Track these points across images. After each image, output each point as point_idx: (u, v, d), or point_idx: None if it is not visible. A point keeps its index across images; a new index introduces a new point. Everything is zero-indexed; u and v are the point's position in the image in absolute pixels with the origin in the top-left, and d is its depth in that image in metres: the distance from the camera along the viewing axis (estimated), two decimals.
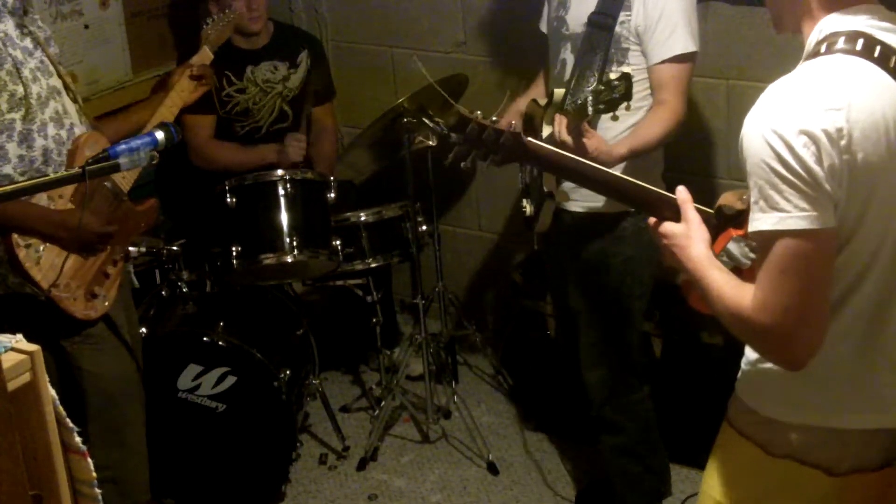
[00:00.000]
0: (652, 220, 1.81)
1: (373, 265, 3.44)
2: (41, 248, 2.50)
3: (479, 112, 1.74)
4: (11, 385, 1.30)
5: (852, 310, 1.61)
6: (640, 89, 2.64)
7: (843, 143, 1.48)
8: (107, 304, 2.69)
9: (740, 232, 1.74)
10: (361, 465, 3.50)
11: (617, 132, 2.66)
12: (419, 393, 3.72)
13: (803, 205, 1.48)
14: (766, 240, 1.53)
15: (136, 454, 2.88)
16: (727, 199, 1.81)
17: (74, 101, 2.65)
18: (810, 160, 1.47)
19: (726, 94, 3.31)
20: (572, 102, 2.55)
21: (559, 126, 2.48)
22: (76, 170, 1.72)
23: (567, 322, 3.01)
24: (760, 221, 1.52)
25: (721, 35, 3.24)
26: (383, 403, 3.60)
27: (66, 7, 3.40)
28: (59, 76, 2.60)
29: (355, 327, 3.87)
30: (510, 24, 3.70)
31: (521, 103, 2.87)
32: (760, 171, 1.51)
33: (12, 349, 1.35)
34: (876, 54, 1.55)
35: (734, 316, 1.60)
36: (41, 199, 2.50)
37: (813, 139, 1.47)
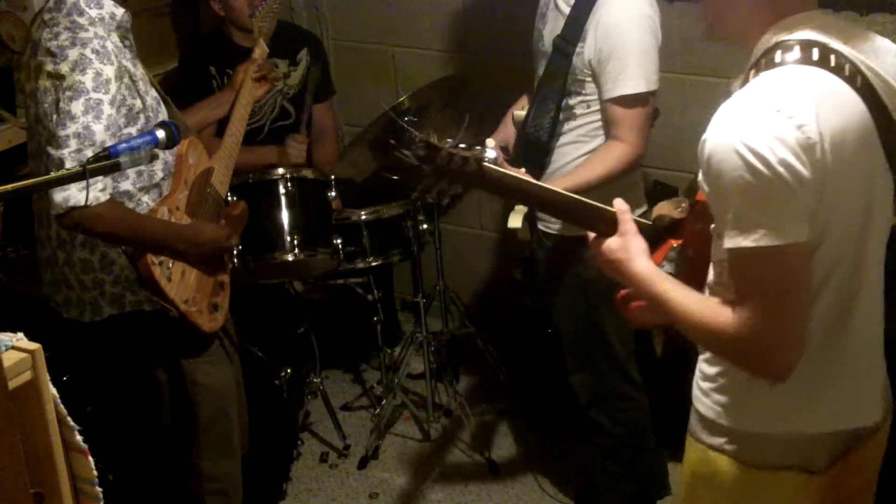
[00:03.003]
0: (591, 235, 1.78)
1: (374, 264, 3.44)
2: (170, 264, 2.44)
3: (448, 140, 1.67)
4: (12, 383, 1.30)
5: (815, 316, 1.59)
6: (594, 119, 2.64)
7: (816, 155, 1.46)
8: (224, 314, 2.66)
9: (679, 241, 1.73)
10: (362, 464, 3.51)
11: (571, 157, 2.67)
12: (420, 391, 3.72)
13: (784, 220, 1.47)
14: (747, 257, 1.50)
15: (238, 463, 2.85)
16: (663, 208, 1.80)
17: (169, 108, 2.59)
18: (788, 175, 1.45)
19: (726, 94, 3.30)
20: (532, 127, 2.57)
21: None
22: (76, 168, 1.71)
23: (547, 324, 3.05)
24: (740, 238, 1.49)
25: None
26: (384, 402, 3.60)
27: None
28: (153, 85, 2.55)
29: (356, 326, 3.87)
30: (511, 23, 3.70)
31: (516, 108, 2.88)
32: (737, 188, 1.48)
33: (13, 347, 1.35)
34: (832, 64, 1.54)
35: (711, 334, 1.58)
36: (163, 213, 2.44)
37: (788, 152, 1.45)
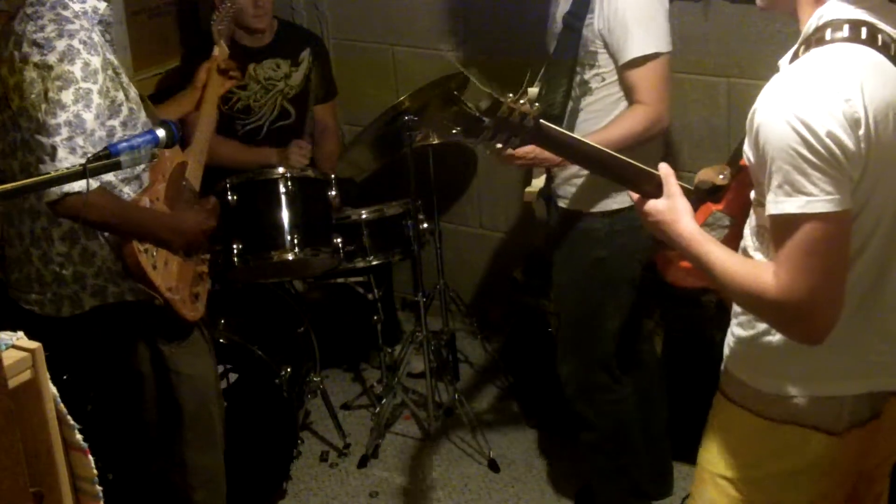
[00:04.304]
0: (635, 196, 1.85)
1: (374, 263, 3.44)
2: (155, 253, 2.47)
3: (510, 94, 1.74)
4: (12, 382, 1.30)
5: (852, 281, 1.65)
6: (611, 92, 2.66)
7: (861, 130, 1.53)
8: (204, 303, 2.69)
9: (719, 207, 1.81)
10: (362, 463, 3.51)
11: (588, 132, 2.67)
12: (420, 390, 3.72)
13: (829, 188, 1.53)
14: (791, 222, 1.56)
15: (221, 455, 2.87)
16: (705, 174, 1.86)
17: (145, 104, 2.62)
18: (834, 146, 1.51)
19: (727, 93, 3.31)
20: (544, 104, 2.61)
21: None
22: (77, 167, 1.71)
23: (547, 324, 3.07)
24: (786, 204, 1.55)
25: (722, 33, 3.24)
26: (384, 401, 3.60)
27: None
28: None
29: (356, 325, 3.87)
30: (511, 22, 3.70)
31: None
32: (785, 155, 1.53)
33: (13, 346, 1.35)
34: (879, 43, 1.61)
35: (752, 295, 1.64)
36: (145, 204, 2.47)
37: (835, 124, 1.51)
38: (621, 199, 2.72)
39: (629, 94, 2.63)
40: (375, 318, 3.64)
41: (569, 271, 2.89)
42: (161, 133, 1.89)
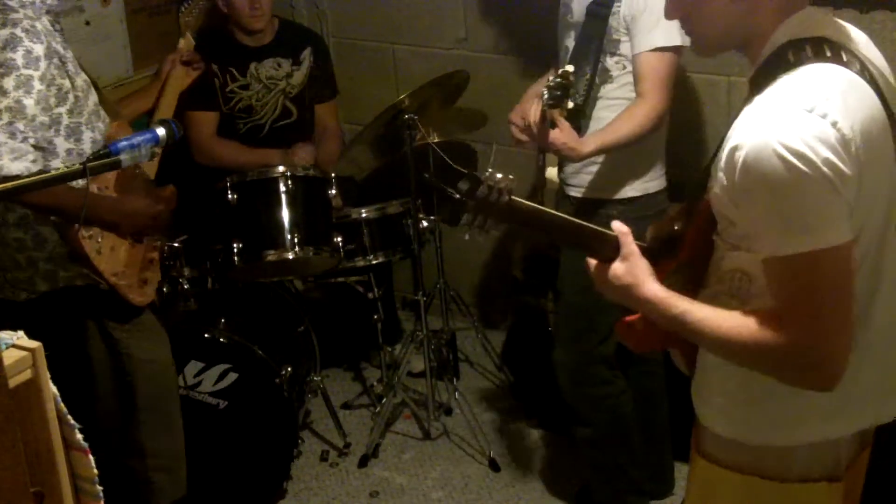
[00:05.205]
0: (593, 263, 1.73)
1: (374, 262, 3.44)
2: (100, 238, 2.53)
3: (489, 170, 1.62)
4: (13, 382, 1.30)
5: None
6: (629, 80, 2.67)
7: (852, 150, 1.44)
8: (154, 288, 2.75)
9: (673, 263, 1.70)
10: (363, 462, 3.51)
11: (608, 119, 2.68)
12: (420, 390, 3.72)
13: (829, 221, 1.43)
14: (796, 263, 1.45)
15: (181, 441, 2.92)
16: (655, 229, 1.78)
17: (98, 93, 2.67)
18: (832, 174, 1.41)
19: (727, 91, 3.31)
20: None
21: (534, 111, 2.51)
22: (77, 166, 1.71)
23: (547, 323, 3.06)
24: (788, 246, 1.45)
25: None
26: (384, 400, 3.60)
27: (66, 3, 3.40)
28: (83, 69, 2.63)
29: (356, 324, 3.87)
30: (511, 19, 3.70)
31: (537, 87, 2.86)
32: (780, 192, 1.43)
33: (13, 346, 1.35)
34: (844, 59, 1.53)
35: (756, 349, 1.51)
36: (94, 190, 2.53)
37: (829, 151, 1.41)
38: (636, 187, 2.75)
39: (637, 82, 2.64)
40: (376, 317, 3.64)
41: (574, 262, 2.87)
42: (161, 131, 1.89)
